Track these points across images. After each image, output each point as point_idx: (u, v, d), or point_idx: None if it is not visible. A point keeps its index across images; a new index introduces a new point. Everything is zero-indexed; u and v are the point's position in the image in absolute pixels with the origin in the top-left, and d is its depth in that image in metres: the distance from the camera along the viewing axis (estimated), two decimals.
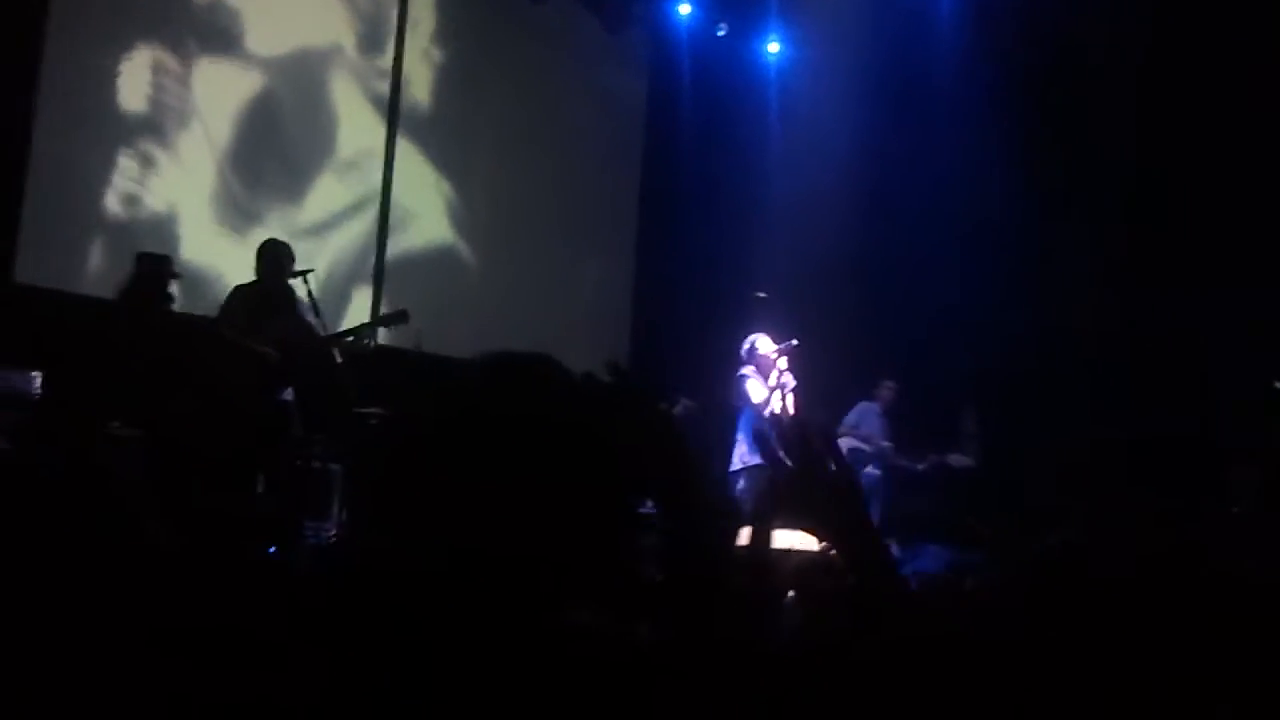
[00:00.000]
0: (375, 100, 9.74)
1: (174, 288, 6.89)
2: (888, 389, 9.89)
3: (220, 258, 8.39)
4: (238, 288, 7.05)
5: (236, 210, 8.78)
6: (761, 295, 9.11)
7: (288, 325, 6.93)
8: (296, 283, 7.04)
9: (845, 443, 9.57)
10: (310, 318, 7.02)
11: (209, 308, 7.22)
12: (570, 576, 1.34)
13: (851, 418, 9.82)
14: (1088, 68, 9.91)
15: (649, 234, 11.16)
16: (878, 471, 9.59)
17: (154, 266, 6.85)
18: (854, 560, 1.82)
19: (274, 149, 9.11)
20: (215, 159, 8.74)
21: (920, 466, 9.79)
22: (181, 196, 8.53)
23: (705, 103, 11.23)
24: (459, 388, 1.41)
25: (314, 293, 7.06)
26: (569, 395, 1.41)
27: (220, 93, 8.80)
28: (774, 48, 11.56)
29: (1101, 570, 1.77)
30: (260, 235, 7.72)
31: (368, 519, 1.43)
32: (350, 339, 7.18)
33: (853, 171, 10.38)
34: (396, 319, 7.47)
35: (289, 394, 6.98)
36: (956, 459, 9.68)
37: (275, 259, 7.04)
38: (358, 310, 9.23)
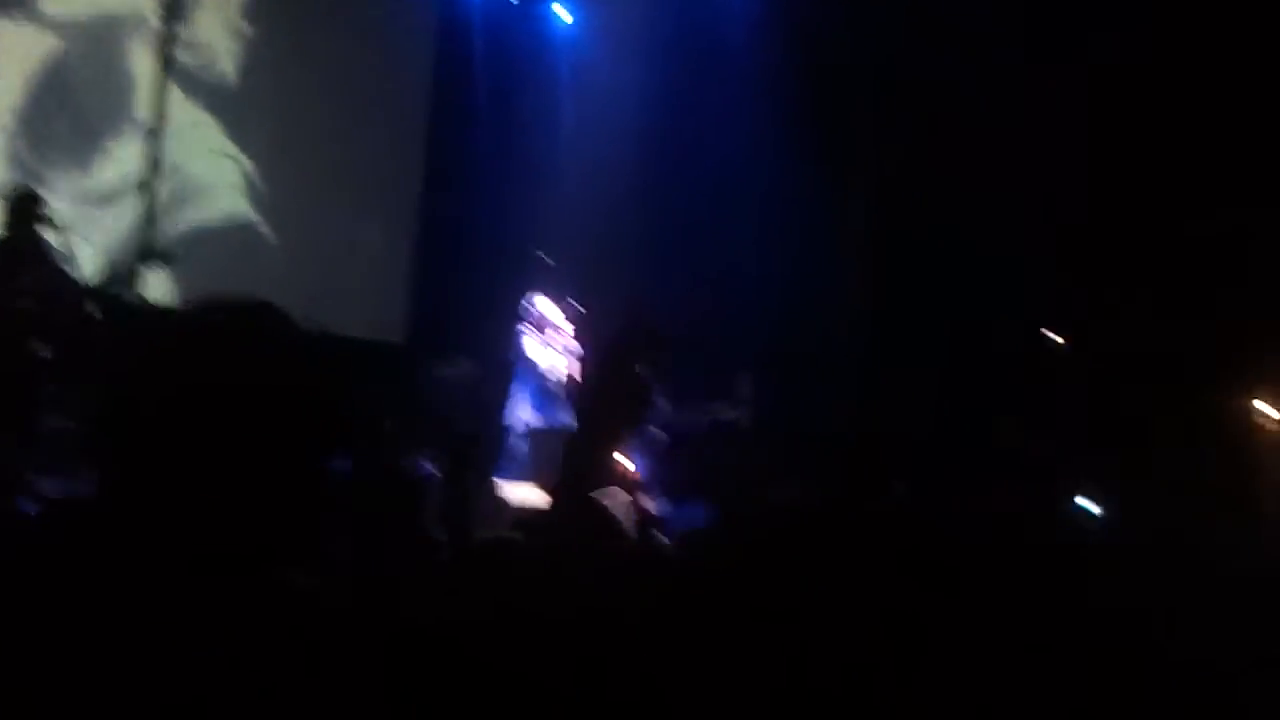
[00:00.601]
0: (170, 69, 9.32)
1: None
2: (659, 349, 9.92)
3: None
4: None
5: (24, 174, 8.26)
6: (545, 258, 9.11)
7: (40, 277, 6.54)
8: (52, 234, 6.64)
9: None
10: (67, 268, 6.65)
11: None
12: (280, 535, 1.33)
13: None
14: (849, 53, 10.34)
15: (435, 197, 10.98)
16: (660, 433, 9.71)
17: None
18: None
19: (66, 114, 8.70)
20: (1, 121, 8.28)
21: (690, 425, 9.87)
22: None
23: (495, 66, 11.09)
24: (170, 340, 1.38)
25: (67, 241, 6.66)
26: (280, 348, 1.39)
27: (9, 53, 8.36)
28: (563, 14, 11.51)
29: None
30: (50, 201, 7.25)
31: (93, 476, 1.38)
32: (107, 285, 6.83)
33: (641, 138, 10.46)
34: (156, 257, 7.12)
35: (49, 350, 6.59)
36: (720, 409, 9.83)
37: (15, 208, 6.63)
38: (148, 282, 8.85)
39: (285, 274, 9.37)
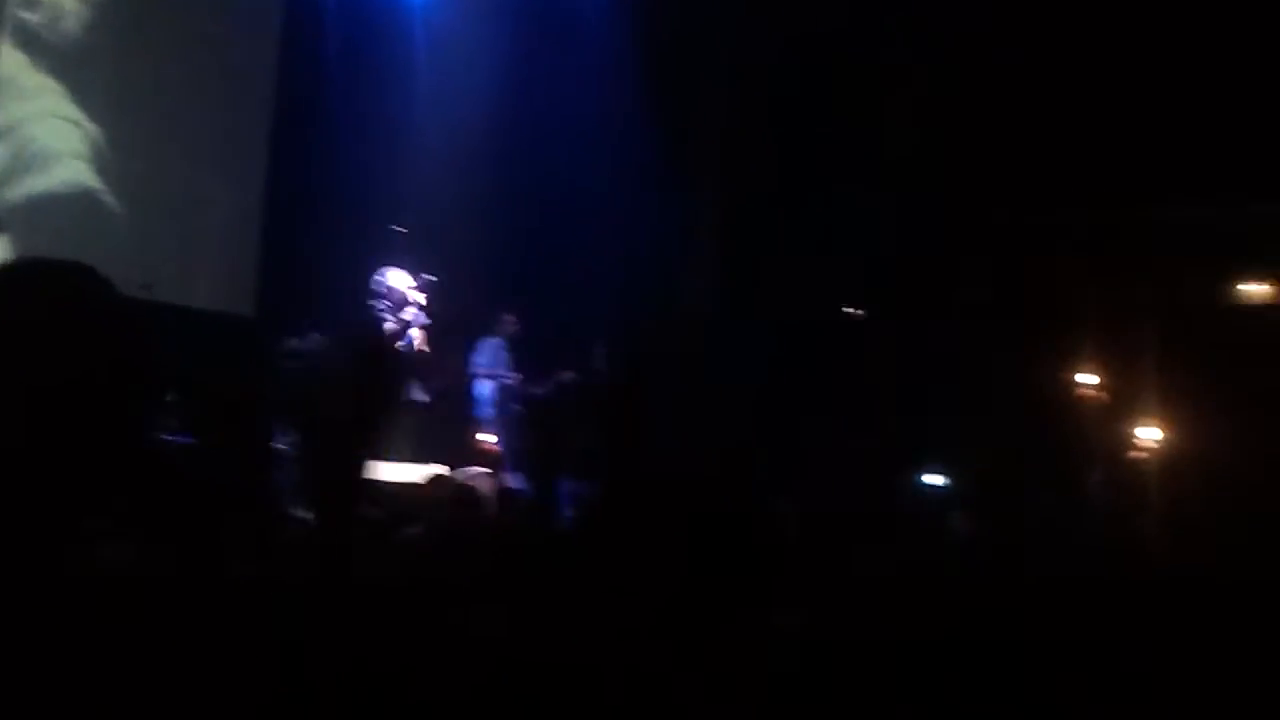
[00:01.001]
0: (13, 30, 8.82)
1: None
2: (509, 322, 9.89)
3: None
4: None
5: None
6: (400, 229, 8.96)
7: None
8: None
9: (487, 383, 9.61)
10: None
11: None
12: (88, 506, 1.31)
13: (484, 357, 9.79)
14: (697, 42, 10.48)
15: (284, 164, 10.67)
16: (515, 405, 9.68)
17: None
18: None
19: None
20: None
21: (540, 390, 9.85)
22: None
23: (346, 30, 10.81)
24: None
25: None
26: (96, 313, 1.35)
27: None
28: None
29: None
30: None
31: None
32: None
33: (495, 110, 10.39)
34: None
35: None
36: (568, 377, 9.85)
37: None
38: None
39: (131, 243, 9.03)
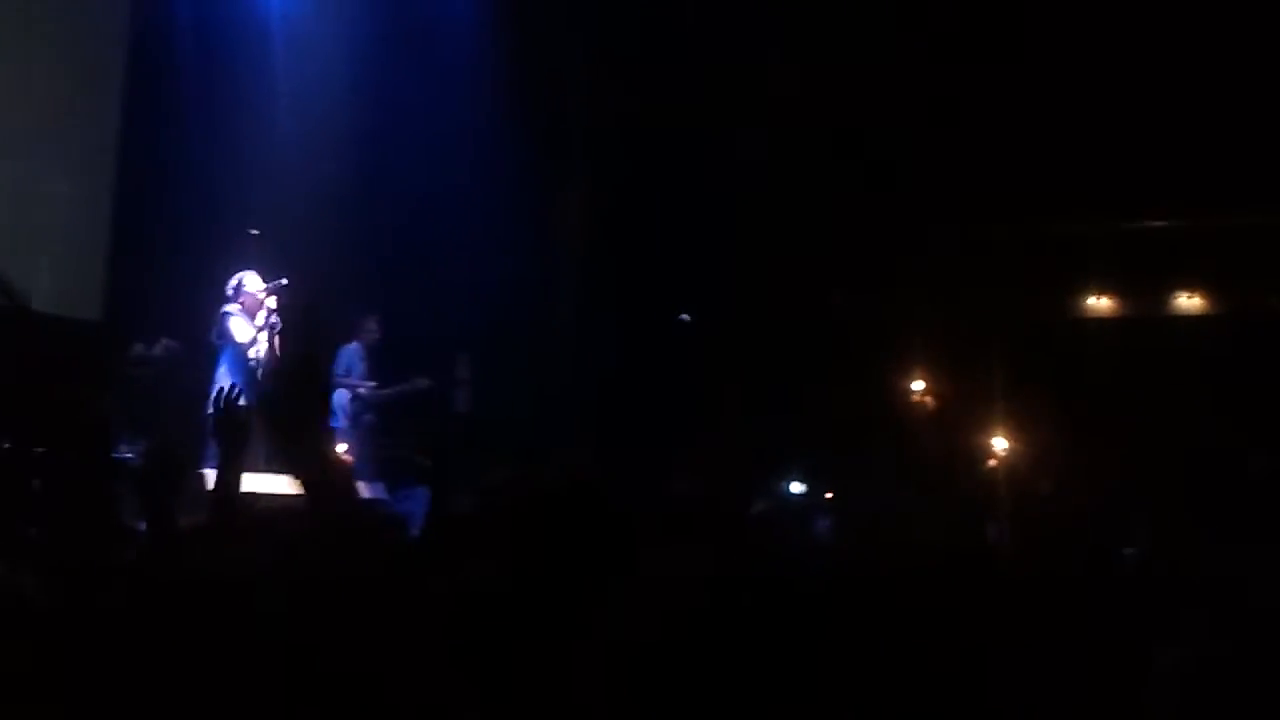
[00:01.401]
0: None
1: None
2: (370, 330, 9.75)
3: None
4: None
5: None
6: (254, 232, 8.75)
7: None
8: None
9: (342, 393, 9.41)
10: None
11: None
12: None
13: (340, 365, 9.59)
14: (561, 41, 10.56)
15: (134, 164, 10.32)
16: (371, 417, 9.52)
17: None
18: (319, 503, 1.82)
19: None
20: None
21: (389, 391, 9.69)
22: None
23: (200, 28, 10.53)
24: None
25: None
26: None
27: None
28: None
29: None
30: None
31: None
32: None
33: (353, 111, 10.23)
34: None
35: None
36: (420, 382, 9.72)
37: None
38: None
39: None
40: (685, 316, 10.37)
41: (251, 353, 7.71)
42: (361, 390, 9.46)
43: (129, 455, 8.10)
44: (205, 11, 10.53)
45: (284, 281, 7.86)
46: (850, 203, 9.98)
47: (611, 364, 10.23)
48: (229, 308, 7.79)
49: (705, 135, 10.21)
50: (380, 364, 9.69)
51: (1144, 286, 10.81)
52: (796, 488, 8.01)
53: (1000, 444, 6.27)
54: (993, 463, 6.24)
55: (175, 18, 10.44)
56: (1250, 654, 2.02)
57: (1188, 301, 10.70)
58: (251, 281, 7.88)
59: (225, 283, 7.91)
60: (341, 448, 7.65)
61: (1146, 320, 10.77)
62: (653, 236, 10.45)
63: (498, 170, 10.24)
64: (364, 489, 8.01)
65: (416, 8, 10.53)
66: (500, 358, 10.15)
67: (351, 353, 9.58)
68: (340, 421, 9.25)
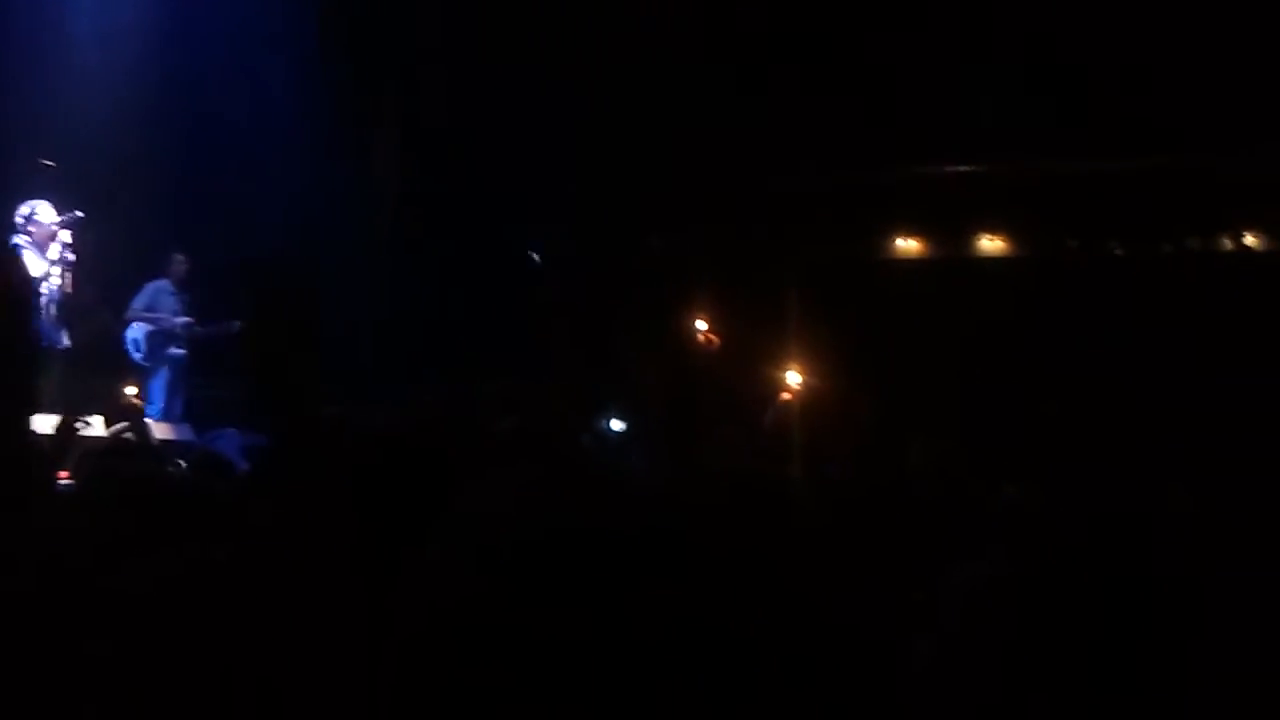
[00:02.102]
0: None
1: None
2: (179, 263, 9.38)
3: None
4: None
5: None
6: (48, 163, 8.29)
7: None
8: None
9: (142, 326, 9.09)
10: None
11: None
12: None
13: (142, 300, 9.24)
14: None
15: None
16: (181, 352, 9.20)
17: None
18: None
19: None
20: None
21: (201, 330, 9.42)
22: None
23: None
24: None
25: None
26: None
27: None
28: None
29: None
30: None
31: None
32: None
33: (156, 37, 9.78)
34: None
35: None
36: (236, 325, 9.51)
37: None
38: None
39: None
40: (534, 255, 10.37)
41: (44, 288, 7.35)
42: (172, 325, 9.13)
43: None
44: None
45: (78, 214, 7.49)
46: (667, 144, 10.08)
47: (433, 302, 10.19)
48: (18, 239, 7.39)
49: (528, 70, 10.13)
50: (190, 301, 9.38)
51: (949, 230, 11.24)
52: (616, 425, 8.14)
53: (794, 378, 6.57)
54: (787, 397, 6.53)
55: None
56: (1028, 576, 2.18)
57: (989, 244, 11.19)
58: (45, 213, 7.49)
59: (14, 213, 7.50)
60: (130, 390, 7.33)
61: (950, 262, 11.23)
62: (475, 172, 10.37)
63: (311, 102, 9.99)
64: (170, 429, 7.78)
65: None
66: (318, 297, 9.96)
67: (157, 288, 9.24)
68: (135, 357, 8.92)
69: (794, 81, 9.94)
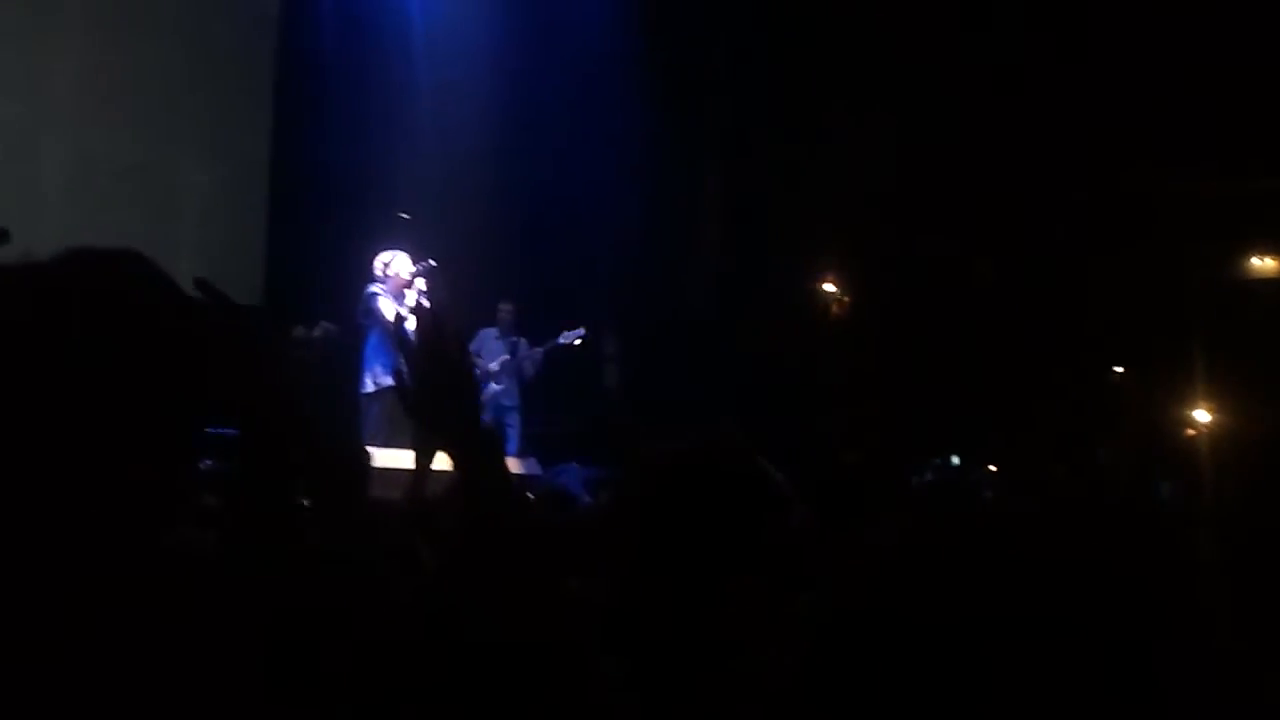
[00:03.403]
0: None
1: None
2: (505, 312, 9.71)
3: None
4: None
5: None
6: (405, 216, 8.86)
7: None
8: None
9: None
10: None
11: None
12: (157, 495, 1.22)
13: (475, 345, 9.62)
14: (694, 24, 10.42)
15: (287, 155, 10.63)
16: (499, 387, 9.52)
17: None
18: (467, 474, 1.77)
19: None
20: None
21: (540, 350, 9.68)
22: None
23: (348, 17, 10.76)
24: (27, 283, 1.22)
25: None
26: (157, 294, 1.25)
27: None
28: None
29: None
30: None
31: None
32: None
33: (499, 98, 10.31)
34: None
35: None
36: (567, 336, 9.68)
37: None
38: None
39: (131, 231, 8.96)
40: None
41: (402, 332, 7.79)
42: (494, 367, 9.50)
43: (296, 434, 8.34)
44: (350, 4, 10.75)
45: (432, 263, 7.94)
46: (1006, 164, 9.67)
47: (758, 339, 10.14)
48: (375, 288, 7.90)
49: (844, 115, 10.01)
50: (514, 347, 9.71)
51: None
52: (954, 460, 7.81)
53: (1201, 416, 6.03)
54: (1191, 432, 6.02)
55: (322, 10, 10.69)
56: None
57: None
58: (401, 263, 7.98)
59: (373, 262, 8.03)
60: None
61: None
62: (794, 219, 10.30)
63: (635, 155, 10.20)
64: (519, 464, 8.07)
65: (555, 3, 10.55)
66: (645, 335, 10.13)
67: (485, 335, 9.64)
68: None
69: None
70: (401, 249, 8.07)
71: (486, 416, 9.33)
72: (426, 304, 7.96)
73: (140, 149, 9.64)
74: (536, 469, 7.46)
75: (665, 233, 10.61)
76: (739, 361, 10.12)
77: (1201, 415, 6.02)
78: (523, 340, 9.67)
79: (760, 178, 10.64)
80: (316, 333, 8.95)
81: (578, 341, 9.46)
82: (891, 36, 10.01)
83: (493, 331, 9.72)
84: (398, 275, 7.90)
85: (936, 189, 10.04)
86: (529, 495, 5.15)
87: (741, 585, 1.81)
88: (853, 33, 9.97)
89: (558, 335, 9.57)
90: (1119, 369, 7.14)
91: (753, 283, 10.51)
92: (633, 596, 1.83)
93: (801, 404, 9.00)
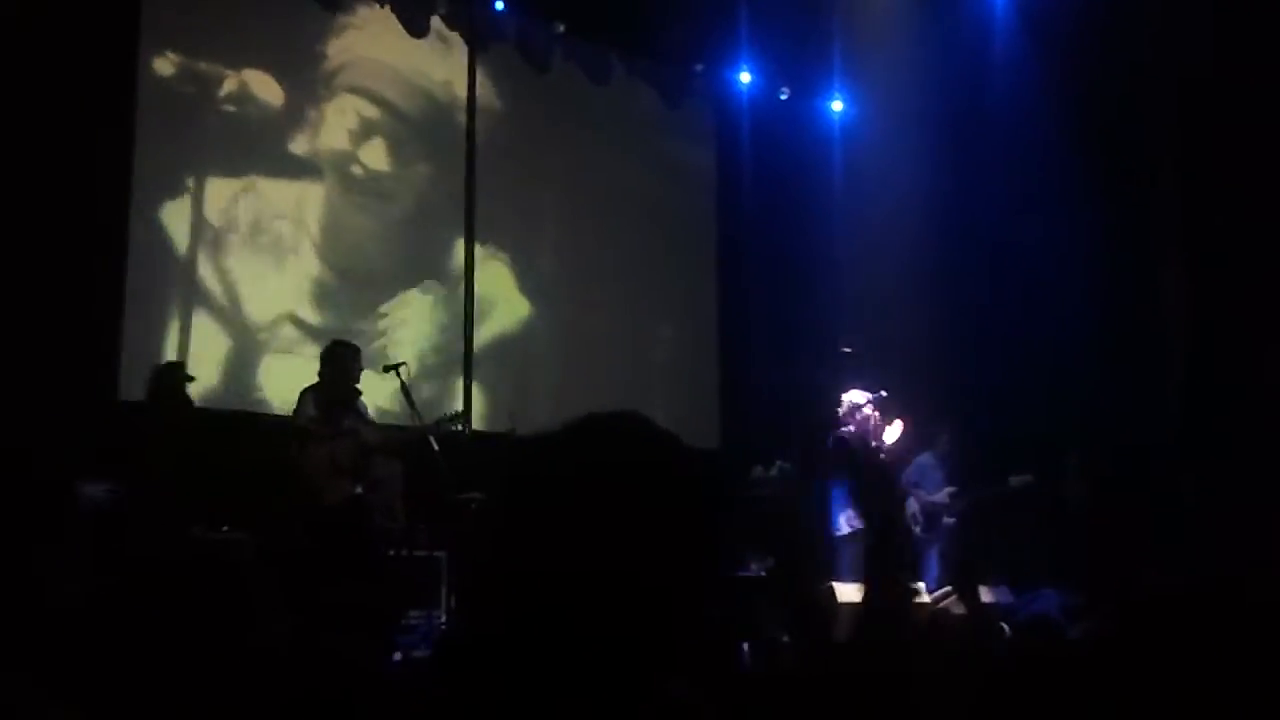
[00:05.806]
0: (451, 196, 9.91)
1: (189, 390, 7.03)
2: (941, 441, 9.35)
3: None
4: (306, 390, 7.08)
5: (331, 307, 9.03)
6: (847, 349, 8.94)
7: (356, 425, 7.04)
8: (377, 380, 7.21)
9: (912, 504, 9.20)
10: (405, 407, 7.23)
11: None
12: (668, 646, 1.27)
13: (912, 474, 9.28)
14: (1139, 105, 9.83)
15: (728, 296, 11.19)
16: (951, 521, 9.21)
17: (175, 374, 7.07)
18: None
19: (352, 253, 9.34)
20: (302, 269, 9.04)
21: (977, 494, 9.27)
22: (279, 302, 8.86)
23: (774, 165, 11.23)
24: (545, 452, 1.34)
25: (407, 384, 7.25)
26: (662, 451, 1.34)
27: (297, 205, 9.09)
28: (837, 106, 11.60)
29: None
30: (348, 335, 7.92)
31: (473, 603, 1.40)
32: (441, 424, 7.33)
33: (918, 219, 10.26)
34: (453, 420, 7.58)
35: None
36: (1016, 480, 9.22)
37: (340, 360, 7.12)
38: (449, 402, 9.30)
39: (589, 384, 9.67)
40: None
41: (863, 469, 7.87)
42: (937, 499, 9.21)
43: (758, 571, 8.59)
44: (775, 144, 11.22)
45: (883, 394, 8.01)
46: None
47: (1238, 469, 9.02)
48: (844, 431, 8.04)
49: None
50: (951, 474, 9.42)
51: None
52: None
53: None
54: None
55: (750, 161, 11.25)
56: None
57: None
58: (856, 397, 8.10)
59: (827, 402, 8.19)
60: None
61: None
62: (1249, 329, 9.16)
63: (1079, 252, 9.68)
64: (989, 592, 7.79)
65: (981, 109, 10.40)
66: (1107, 458, 9.40)
67: (924, 464, 9.36)
68: (917, 530, 9.07)
69: None
70: (852, 384, 8.20)
71: (939, 548, 9.11)
72: (872, 430, 8.01)
73: (613, 315, 10.47)
74: (1008, 596, 7.18)
75: (1123, 339, 9.86)
76: (1213, 477, 9.05)
77: None
78: (956, 490, 9.31)
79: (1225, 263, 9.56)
80: (774, 472, 9.25)
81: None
82: None
83: (929, 459, 9.40)
84: (862, 414, 8.01)
85: None
86: (1003, 627, 5.00)
87: None
88: None
89: (995, 485, 9.19)
90: None
91: (1228, 391, 9.35)
92: None
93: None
